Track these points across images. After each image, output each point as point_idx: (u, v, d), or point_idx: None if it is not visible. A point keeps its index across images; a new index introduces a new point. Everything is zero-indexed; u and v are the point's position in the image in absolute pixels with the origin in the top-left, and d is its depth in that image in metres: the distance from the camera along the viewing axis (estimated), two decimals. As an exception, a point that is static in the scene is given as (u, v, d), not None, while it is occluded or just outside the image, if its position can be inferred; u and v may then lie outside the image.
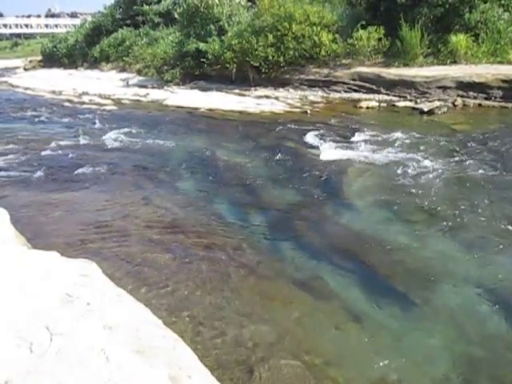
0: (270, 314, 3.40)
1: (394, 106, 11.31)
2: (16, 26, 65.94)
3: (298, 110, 11.68)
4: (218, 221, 5.13)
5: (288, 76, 14.43)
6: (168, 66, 17.77)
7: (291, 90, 14.02)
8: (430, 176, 6.03)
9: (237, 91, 14.70)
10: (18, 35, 67.41)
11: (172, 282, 3.81)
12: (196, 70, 16.48)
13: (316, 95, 13.30)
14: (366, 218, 5.07)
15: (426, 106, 10.44)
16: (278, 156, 7.45)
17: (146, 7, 25.11)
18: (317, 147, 7.80)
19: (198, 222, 5.10)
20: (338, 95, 12.96)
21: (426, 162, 6.54)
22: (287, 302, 3.58)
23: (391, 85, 12.15)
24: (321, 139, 8.22)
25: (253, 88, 14.72)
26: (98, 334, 2.14)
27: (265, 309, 3.46)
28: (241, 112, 11.87)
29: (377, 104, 11.51)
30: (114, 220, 5.20)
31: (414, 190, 5.63)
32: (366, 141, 7.94)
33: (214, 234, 4.78)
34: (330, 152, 7.43)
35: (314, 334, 3.18)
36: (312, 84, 13.81)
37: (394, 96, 11.90)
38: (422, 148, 7.27)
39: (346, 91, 12.99)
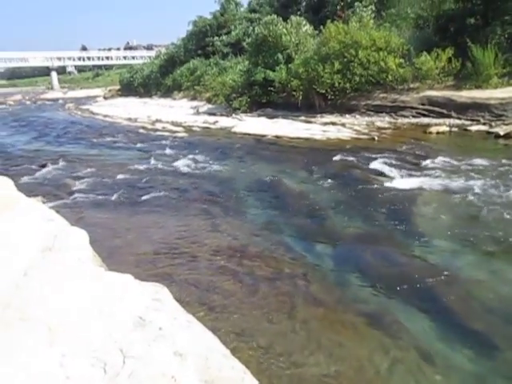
0: (337, 348, 3.32)
1: (466, 130, 10.86)
2: (98, 58, 71.79)
3: (365, 136, 11.52)
4: (285, 249, 5.12)
5: (354, 102, 14.35)
6: (236, 94, 18.37)
7: (358, 116, 13.89)
8: (508, 205, 5.66)
9: (303, 118, 14.81)
10: (100, 67, 73.38)
11: (239, 310, 3.84)
12: (263, 97, 16.92)
13: (383, 121, 13.08)
14: (439, 249, 4.83)
15: (501, 130, 9.93)
16: (346, 184, 7.36)
17: (216, 38, 26.30)
18: (385, 175, 7.63)
19: (265, 250, 5.12)
20: (406, 120, 12.67)
21: (503, 191, 6.16)
22: (355, 337, 3.46)
23: (463, 108, 11.70)
24: (389, 166, 8.03)
25: (319, 115, 14.76)
26: (169, 360, 2.19)
27: (331, 342, 3.38)
28: (307, 139, 11.89)
29: (448, 129, 11.10)
30: (183, 245, 5.36)
31: (490, 221, 5.32)
32: (437, 168, 7.65)
33: (281, 262, 4.77)
34: (399, 180, 7.24)
35: (382, 373, 3.04)
36: (379, 110, 13.63)
37: (466, 120, 11.43)
38: (498, 175, 6.88)
39: (414, 116, 12.68)
